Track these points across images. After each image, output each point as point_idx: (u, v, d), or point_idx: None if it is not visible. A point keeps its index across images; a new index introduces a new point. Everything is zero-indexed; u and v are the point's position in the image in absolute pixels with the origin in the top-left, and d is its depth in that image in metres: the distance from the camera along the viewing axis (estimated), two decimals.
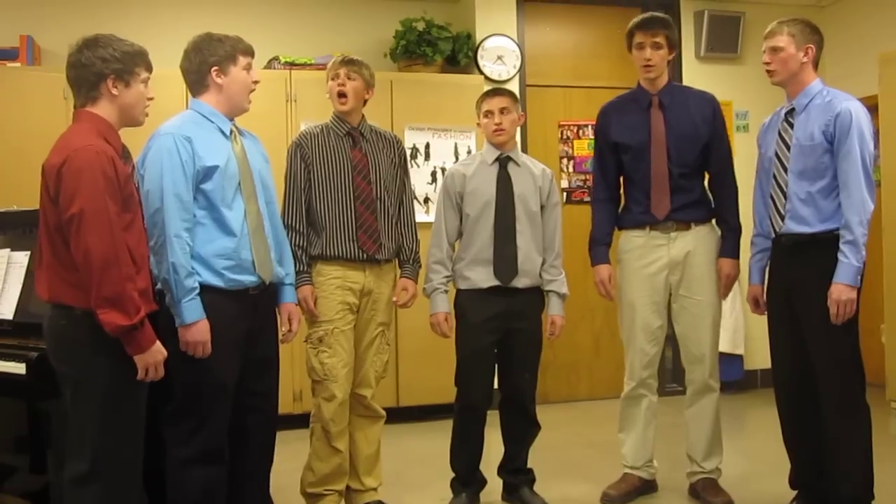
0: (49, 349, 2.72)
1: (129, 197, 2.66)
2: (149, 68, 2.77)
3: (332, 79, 3.62)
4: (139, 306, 2.57)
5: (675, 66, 6.25)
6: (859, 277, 3.24)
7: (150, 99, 2.79)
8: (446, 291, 3.77)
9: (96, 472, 2.60)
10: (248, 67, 3.12)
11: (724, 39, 6.38)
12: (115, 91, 2.68)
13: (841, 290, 3.23)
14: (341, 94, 3.60)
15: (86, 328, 2.58)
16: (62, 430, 2.76)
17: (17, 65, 5.18)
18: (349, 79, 3.59)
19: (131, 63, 2.71)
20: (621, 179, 3.92)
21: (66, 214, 2.53)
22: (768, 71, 3.48)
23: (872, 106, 3.44)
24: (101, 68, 2.66)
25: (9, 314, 3.29)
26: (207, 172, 2.97)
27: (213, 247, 2.99)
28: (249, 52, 3.14)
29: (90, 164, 2.53)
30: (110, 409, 2.62)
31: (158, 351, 2.64)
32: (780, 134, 3.47)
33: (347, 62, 3.61)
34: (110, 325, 2.53)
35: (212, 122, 3.07)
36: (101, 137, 2.63)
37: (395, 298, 3.70)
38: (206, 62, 3.07)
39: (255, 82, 3.16)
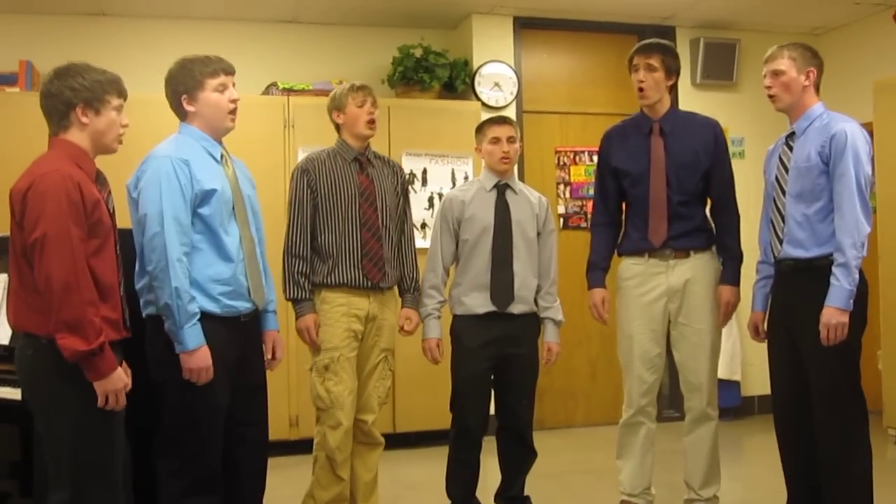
0: (20, 379, 2.69)
1: (97, 223, 2.61)
2: (121, 95, 2.74)
3: (360, 106, 3.64)
4: (100, 331, 2.53)
5: (672, 94, 6.28)
6: (851, 301, 3.19)
7: (125, 126, 2.75)
8: (439, 317, 3.77)
9: (79, 500, 2.56)
10: (220, 89, 3.05)
11: (719, 67, 6.43)
12: (84, 119, 2.66)
13: (831, 314, 3.19)
14: (373, 122, 3.68)
15: (51, 357, 2.54)
16: (42, 456, 2.73)
17: (16, 90, 5.20)
18: (376, 107, 3.68)
19: (101, 91, 2.67)
20: (623, 205, 3.91)
21: (30, 238, 2.52)
22: (771, 96, 3.45)
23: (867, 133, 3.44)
24: (69, 97, 2.64)
25: (5, 339, 3.28)
26: (206, 196, 2.95)
27: (210, 272, 2.96)
28: (219, 73, 3.05)
29: (55, 187, 2.51)
30: (83, 438, 2.57)
31: (119, 378, 2.59)
32: (780, 158, 3.47)
33: (370, 90, 3.68)
34: (68, 350, 2.49)
35: (202, 145, 3.05)
36: (72, 162, 2.61)
37: (401, 327, 3.71)
38: (175, 92, 3.06)
39: (233, 101, 3.08)
